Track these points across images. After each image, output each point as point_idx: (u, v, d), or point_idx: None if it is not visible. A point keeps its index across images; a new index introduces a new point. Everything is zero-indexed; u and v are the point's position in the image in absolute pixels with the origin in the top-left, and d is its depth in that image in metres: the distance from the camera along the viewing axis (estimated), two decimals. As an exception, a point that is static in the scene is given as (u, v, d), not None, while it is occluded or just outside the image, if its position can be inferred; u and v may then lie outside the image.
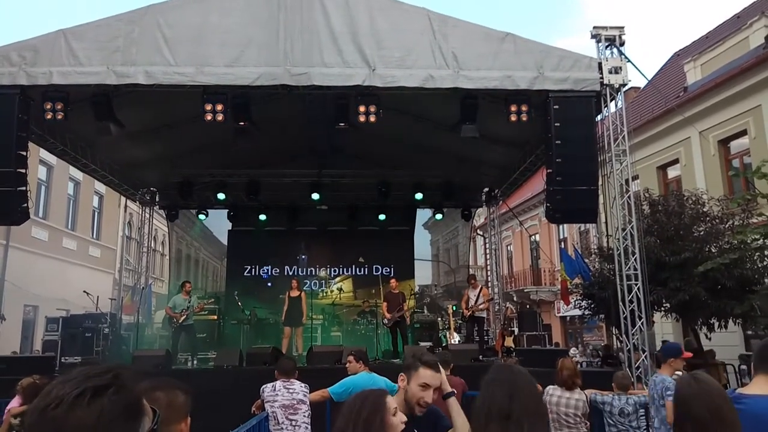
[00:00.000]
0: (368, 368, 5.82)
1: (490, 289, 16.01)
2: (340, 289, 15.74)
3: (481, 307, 12.37)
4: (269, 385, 5.52)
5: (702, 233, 10.81)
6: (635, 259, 8.51)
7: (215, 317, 13.51)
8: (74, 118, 8.73)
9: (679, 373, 5.20)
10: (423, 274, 22.49)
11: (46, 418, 0.96)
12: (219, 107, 8.53)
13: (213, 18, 8.35)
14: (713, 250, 10.33)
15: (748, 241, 9.18)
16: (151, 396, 1.37)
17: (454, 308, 16.68)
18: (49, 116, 8.37)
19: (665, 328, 16.37)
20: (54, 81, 8.01)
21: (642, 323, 8.35)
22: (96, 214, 23.03)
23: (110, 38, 8.18)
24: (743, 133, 15.42)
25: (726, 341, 12.50)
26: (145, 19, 8.28)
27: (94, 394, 0.98)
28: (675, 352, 5.44)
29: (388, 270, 15.68)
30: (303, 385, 5.57)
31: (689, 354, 6.15)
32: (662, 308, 11.22)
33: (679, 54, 22.39)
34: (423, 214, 18.12)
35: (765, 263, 10.25)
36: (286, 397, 5.40)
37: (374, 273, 15.73)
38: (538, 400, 2.03)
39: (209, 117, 8.57)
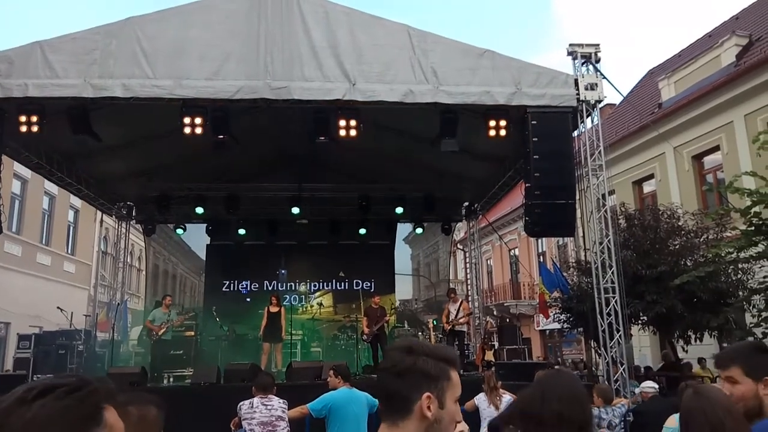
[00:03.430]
0: (349, 383, 5.77)
1: (470, 303, 16.05)
2: (320, 304, 15.64)
3: (461, 321, 12.38)
4: (247, 402, 5.44)
5: (677, 247, 10.98)
6: (612, 273, 8.61)
7: (192, 333, 13.29)
8: (50, 132, 8.61)
9: None
10: (404, 288, 22.40)
11: None
12: (198, 120, 8.49)
13: (192, 31, 8.33)
14: (689, 264, 10.49)
15: (723, 255, 9.33)
16: (122, 410, 1.34)
17: (435, 322, 16.66)
18: (24, 129, 8.25)
19: (642, 341, 16.53)
20: (29, 93, 7.90)
21: (620, 336, 8.42)
22: (71, 228, 22.64)
23: (87, 51, 8.10)
24: (716, 148, 15.77)
25: (702, 354, 12.66)
26: (123, 32, 8.22)
27: (40, 394, 0.96)
28: None
29: (369, 284, 15.63)
30: (281, 401, 5.50)
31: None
32: (639, 321, 11.34)
33: (653, 72, 22.88)
34: (403, 229, 18.13)
35: (739, 276, 10.42)
36: (264, 414, 5.32)
37: (355, 287, 15.65)
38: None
39: (188, 130, 8.52)
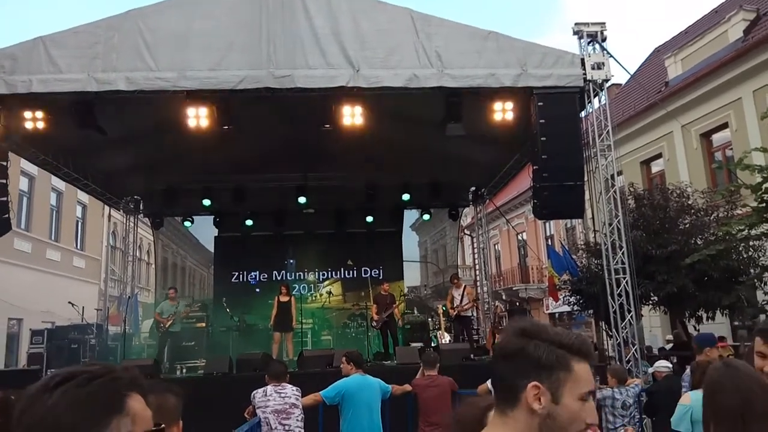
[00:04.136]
0: (362, 370, 5.79)
1: (479, 288, 16.04)
2: (329, 293, 15.66)
3: (466, 306, 12.34)
4: (260, 390, 5.46)
5: (687, 226, 10.91)
6: (623, 253, 8.56)
7: (203, 324, 13.37)
8: (55, 127, 8.59)
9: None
10: (412, 275, 22.40)
11: (21, 404, 0.96)
12: (202, 112, 8.46)
13: (195, 22, 8.28)
14: (699, 242, 10.43)
15: (734, 233, 9.26)
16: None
17: (444, 308, 16.68)
18: (29, 125, 8.26)
19: (653, 321, 16.50)
20: (34, 89, 7.88)
21: (631, 317, 8.39)
22: (79, 224, 22.75)
23: (90, 45, 8.07)
24: (725, 126, 15.61)
25: (713, 332, 12.61)
26: (125, 25, 8.18)
27: (63, 381, 0.95)
28: (710, 341, 5.35)
29: (377, 272, 15.63)
30: (295, 388, 5.51)
31: (724, 344, 6.02)
32: (650, 301, 11.30)
33: (659, 50, 22.63)
34: (410, 216, 18.10)
35: (750, 254, 10.36)
36: (278, 402, 5.34)
37: (363, 275, 15.66)
38: None
39: (193, 122, 8.50)
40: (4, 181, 7.96)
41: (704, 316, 11.09)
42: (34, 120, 8.15)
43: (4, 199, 7.97)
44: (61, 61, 7.92)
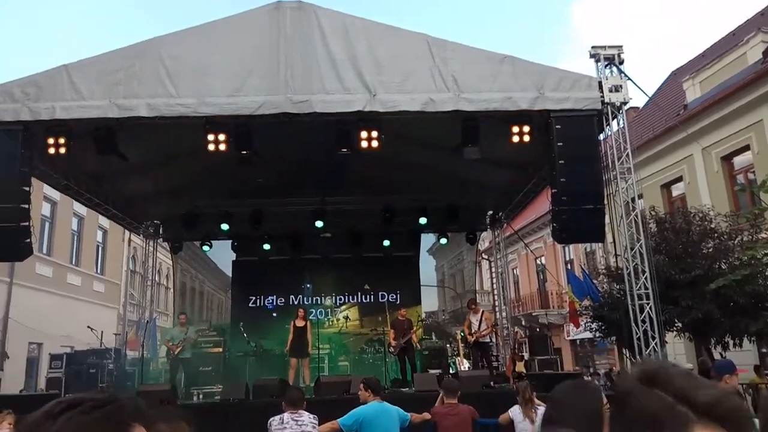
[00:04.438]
0: (380, 397, 5.69)
1: (497, 313, 15.82)
2: (346, 318, 15.55)
3: (484, 332, 12.12)
4: (277, 417, 5.38)
5: (711, 250, 10.70)
6: (645, 278, 8.38)
7: (220, 350, 13.32)
8: (77, 153, 8.74)
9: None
10: (429, 300, 22.19)
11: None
12: (222, 137, 8.57)
13: (214, 49, 8.43)
14: (723, 267, 10.21)
15: (759, 257, 9.05)
16: (153, 427, 1.28)
17: (462, 334, 16.46)
18: (51, 151, 8.40)
19: (677, 348, 16.08)
20: (57, 116, 8.05)
21: (656, 343, 8.18)
22: (100, 248, 23.02)
23: (112, 72, 8.24)
24: (746, 148, 15.39)
25: (740, 360, 12.24)
26: (146, 53, 8.35)
27: (67, 408, 0.94)
28: (730, 368, 5.17)
29: (394, 297, 15.51)
30: (312, 416, 5.42)
31: (743, 369, 5.81)
32: (674, 328, 11.03)
33: (676, 73, 22.53)
34: (427, 240, 18.01)
35: (777, 279, 10.10)
36: (294, 430, 5.25)
37: (380, 300, 15.55)
38: None
39: (212, 147, 8.59)
40: (27, 206, 8.07)
41: (731, 342, 10.78)
42: (56, 146, 8.29)
43: (27, 223, 8.08)
44: (83, 88, 8.09)
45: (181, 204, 13.74)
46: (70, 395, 0.97)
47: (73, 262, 20.68)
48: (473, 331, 12.03)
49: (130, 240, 22.98)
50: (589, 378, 18.88)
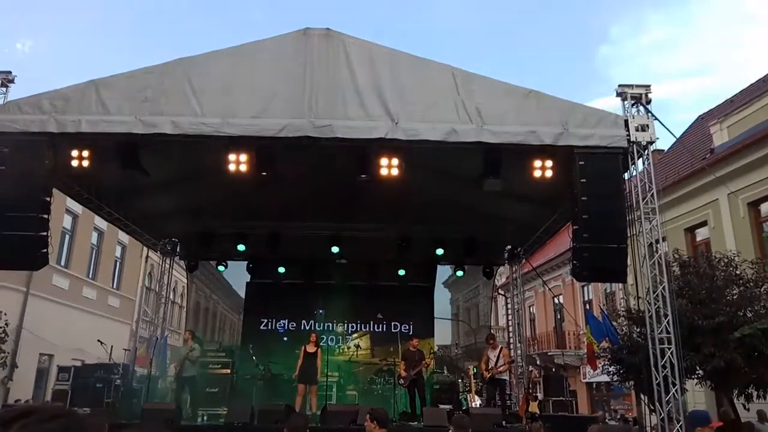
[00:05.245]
0: (387, 429, 5.51)
1: (512, 351, 15.48)
2: (357, 346, 15.34)
3: (501, 369, 11.87)
4: (279, 444, 5.22)
5: (736, 297, 10.37)
6: (668, 322, 8.12)
7: (228, 371, 13.19)
8: (100, 167, 8.83)
9: None
10: (443, 333, 21.95)
11: None
12: (243, 158, 8.59)
13: (241, 71, 8.52)
14: (749, 315, 9.86)
15: (786, 306, 8.74)
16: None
17: (475, 370, 16.10)
18: (75, 164, 8.49)
19: (697, 397, 15.54)
20: (82, 129, 8.14)
21: (676, 390, 7.87)
22: (118, 264, 23.19)
23: (140, 89, 8.35)
24: (774, 195, 15.07)
25: (766, 411, 11.76)
26: (175, 71, 8.47)
27: (18, 416, 0.89)
28: (703, 420, 5.11)
29: (407, 327, 15.29)
30: (315, 445, 5.25)
31: (719, 423, 5.72)
32: (695, 375, 10.65)
33: (703, 117, 22.32)
34: (443, 272, 17.83)
35: (805, 330, 9.71)
36: (296, 459, 5.09)
37: (392, 330, 15.33)
38: None
39: (233, 167, 8.62)
40: (47, 216, 8.13)
41: (755, 394, 10.36)
42: (80, 159, 8.39)
43: (45, 233, 8.12)
44: (110, 103, 8.20)
45: (199, 223, 13.80)
46: (23, 405, 0.90)
47: (90, 276, 20.84)
48: (490, 366, 11.78)
49: (147, 257, 23.21)
50: (615, 422, 18.28)
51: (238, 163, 8.59)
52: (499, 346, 12.37)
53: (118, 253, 23.08)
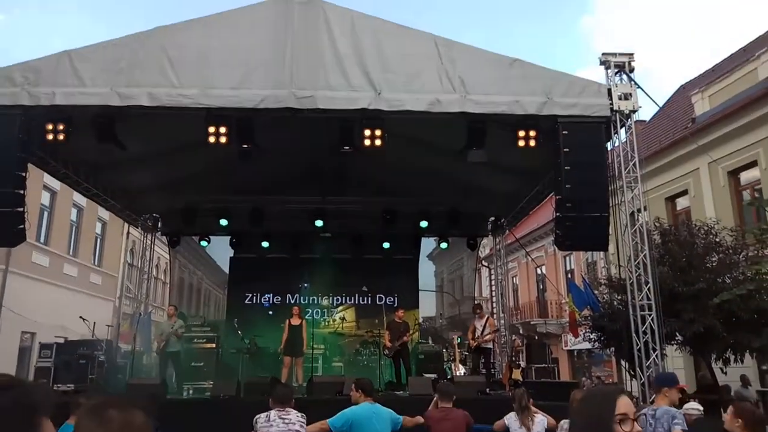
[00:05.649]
0: (372, 398, 5.55)
1: (496, 320, 15.66)
2: (342, 318, 15.40)
3: (486, 338, 12.04)
4: (263, 414, 5.23)
5: (715, 264, 10.54)
6: (648, 289, 8.24)
7: (213, 346, 13.17)
8: (76, 141, 8.60)
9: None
10: (427, 305, 22.11)
11: None
12: (223, 130, 8.42)
13: (219, 40, 8.30)
14: (728, 281, 10.05)
15: (764, 272, 8.90)
16: (101, 415, 1.15)
17: (459, 340, 16.28)
18: (50, 137, 8.27)
19: (676, 362, 15.89)
20: (57, 102, 7.92)
21: (656, 355, 8.02)
22: (98, 240, 22.89)
23: (115, 60, 8.12)
24: (753, 164, 15.24)
25: (742, 374, 12.09)
26: (150, 41, 8.23)
27: None
28: (670, 381, 5.09)
29: (392, 299, 15.36)
30: (299, 414, 5.26)
31: (684, 385, 5.79)
32: (675, 341, 10.87)
33: (684, 86, 22.40)
34: (427, 244, 17.87)
35: (782, 295, 9.93)
36: (281, 428, 5.09)
37: (377, 302, 15.39)
38: None
39: (212, 140, 8.45)
40: (22, 191, 7.93)
41: (732, 358, 10.61)
42: (55, 132, 8.16)
43: (21, 209, 7.94)
44: (85, 74, 7.97)
45: (180, 198, 13.60)
46: None
47: (71, 253, 20.55)
48: (476, 336, 11.93)
49: (128, 233, 22.91)
50: (587, 382, 18.68)
51: (218, 135, 8.43)
52: (486, 316, 12.52)
53: (98, 230, 22.75)
